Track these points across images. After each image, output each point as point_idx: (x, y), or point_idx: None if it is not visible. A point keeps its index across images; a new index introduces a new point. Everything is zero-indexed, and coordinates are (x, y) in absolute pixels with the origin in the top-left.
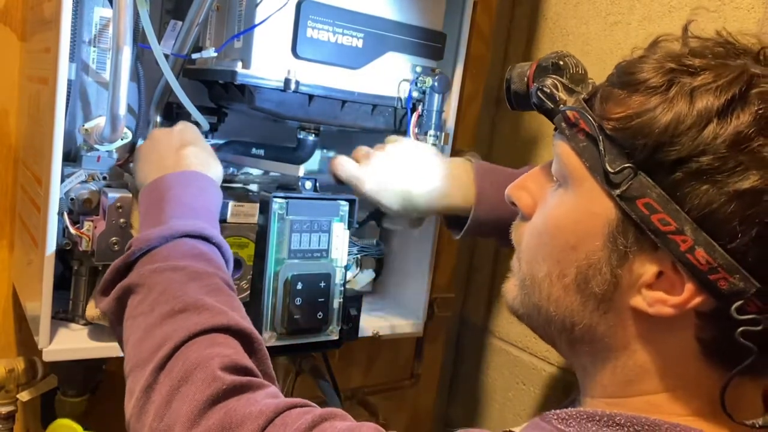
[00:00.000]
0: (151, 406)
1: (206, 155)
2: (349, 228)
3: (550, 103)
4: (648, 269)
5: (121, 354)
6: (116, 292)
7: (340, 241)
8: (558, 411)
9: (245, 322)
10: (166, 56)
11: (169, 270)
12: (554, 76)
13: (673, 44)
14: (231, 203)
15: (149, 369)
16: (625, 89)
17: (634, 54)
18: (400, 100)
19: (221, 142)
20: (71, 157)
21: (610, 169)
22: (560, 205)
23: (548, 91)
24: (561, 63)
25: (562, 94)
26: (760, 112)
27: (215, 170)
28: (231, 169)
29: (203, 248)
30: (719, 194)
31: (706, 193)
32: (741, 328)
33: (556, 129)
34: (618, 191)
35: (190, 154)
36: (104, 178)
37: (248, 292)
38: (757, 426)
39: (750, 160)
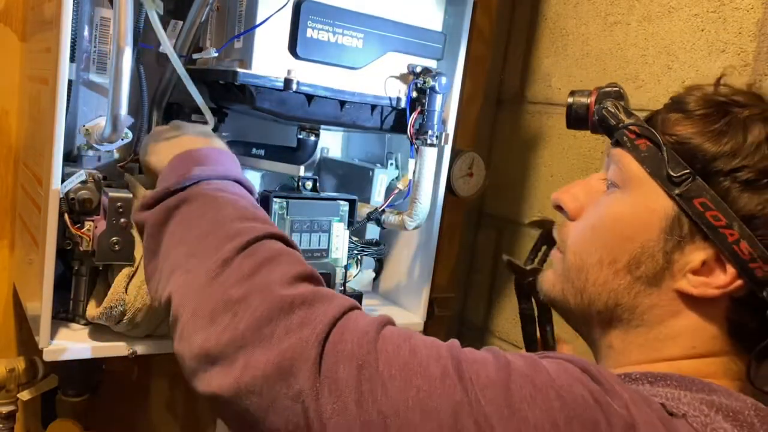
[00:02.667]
0: (229, 276)
1: (226, 150)
2: (349, 228)
3: (613, 121)
4: (696, 257)
5: (121, 353)
6: (171, 201)
7: (340, 241)
8: None
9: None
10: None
11: (228, 193)
12: (615, 101)
13: (710, 88)
14: None
15: (227, 248)
16: (681, 113)
17: (688, 87)
18: (400, 100)
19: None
20: (71, 157)
21: (672, 174)
22: (617, 204)
23: (613, 110)
24: (622, 91)
25: (623, 115)
26: None
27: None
28: None
29: (247, 194)
30: (762, 200)
31: (751, 198)
32: None
33: (614, 143)
34: (678, 191)
35: (216, 140)
36: (104, 178)
37: None
38: None
39: None
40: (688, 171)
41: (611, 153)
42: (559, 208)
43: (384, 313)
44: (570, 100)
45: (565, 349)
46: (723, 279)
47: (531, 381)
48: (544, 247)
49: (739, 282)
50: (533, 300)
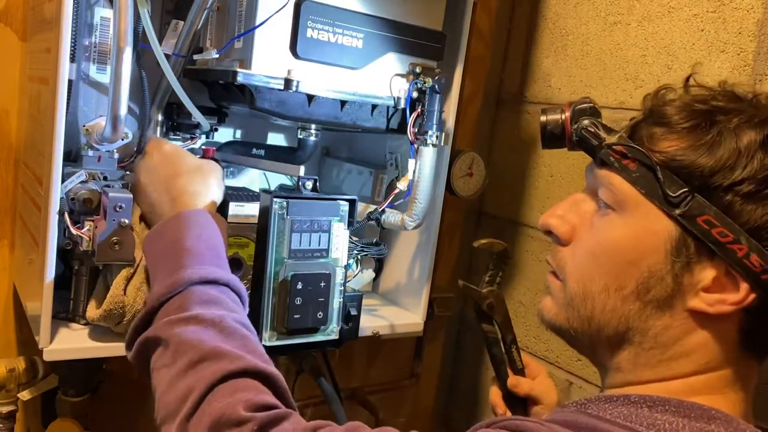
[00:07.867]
0: None
1: (199, 181)
2: (349, 228)
3: (594, 141)
4: (706, 275)
5: (121, 353)
6: (137, 346)
7: (340, 241)
8: (576, 400)
9: (261, 363)
10: (168, 56)
11: (182, 321)
12: (591, 117)
13: (679, 91)
14: (231, 203)
15: (177, 423)
16: (665, 127)
17: (660, 94)
18: (400, 100)
19: (221, 142)
20: (72, 157)
21: (670, 194)
22: (616, 228)
23: (592, 130)
24: (596, 107)
25: (602, 133)
26: None
27: (212, 195)
28: (231, 168)
29: (213, 292)
30: (766, 210)
31: (755, 210)
32: None
33: (599, 163)
34: (679, 211)
35: (183, 190)
36: (104, 178)
37: (248, 292)
38: None
39: None
40: (686, 189)
41: (597, 174)
42: (548, 232)
43: (319, 420)
44: (543, 119)
45: (533, 368)
46: (737, 295)
47: None
48: (491, 266)
49: (753, 295)
50: (495, 322)
